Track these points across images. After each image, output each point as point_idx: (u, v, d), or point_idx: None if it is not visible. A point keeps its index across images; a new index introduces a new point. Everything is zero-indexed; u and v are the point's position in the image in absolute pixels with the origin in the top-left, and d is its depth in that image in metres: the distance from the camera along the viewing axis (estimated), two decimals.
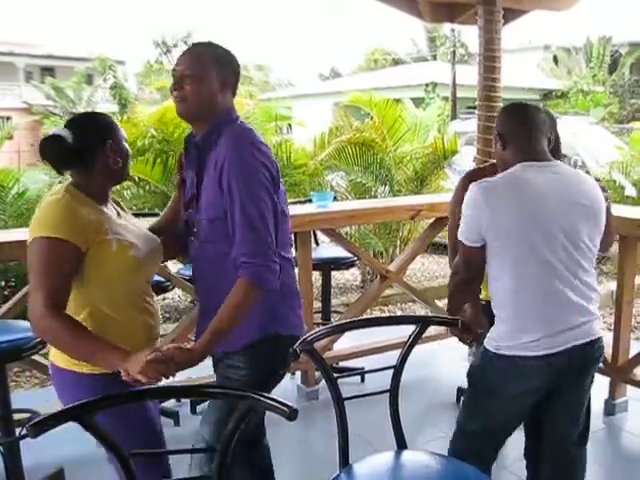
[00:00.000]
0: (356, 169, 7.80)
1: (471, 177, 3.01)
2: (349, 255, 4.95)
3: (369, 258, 5.80)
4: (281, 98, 20.93)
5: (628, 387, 4.33)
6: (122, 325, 2.21)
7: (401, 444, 2.37)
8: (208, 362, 4.46)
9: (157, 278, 3.97)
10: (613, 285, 4.44)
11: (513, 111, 2.65)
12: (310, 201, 4.66)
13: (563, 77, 28.72)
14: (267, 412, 2.34)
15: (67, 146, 2.19)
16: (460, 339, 2.64)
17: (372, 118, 8.28)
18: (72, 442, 2.23)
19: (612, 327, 4.44)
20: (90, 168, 2.24)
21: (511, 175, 2.47)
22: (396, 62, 37.48)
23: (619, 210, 3.02)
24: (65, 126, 2.25)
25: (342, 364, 4.88)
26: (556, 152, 2.97)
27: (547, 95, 26.80)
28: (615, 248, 3.28)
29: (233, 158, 2.22)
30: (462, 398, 2.79)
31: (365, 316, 5.11)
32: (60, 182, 7.88)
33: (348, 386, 2.48)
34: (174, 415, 4.09)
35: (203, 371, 4.33)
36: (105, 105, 27.21)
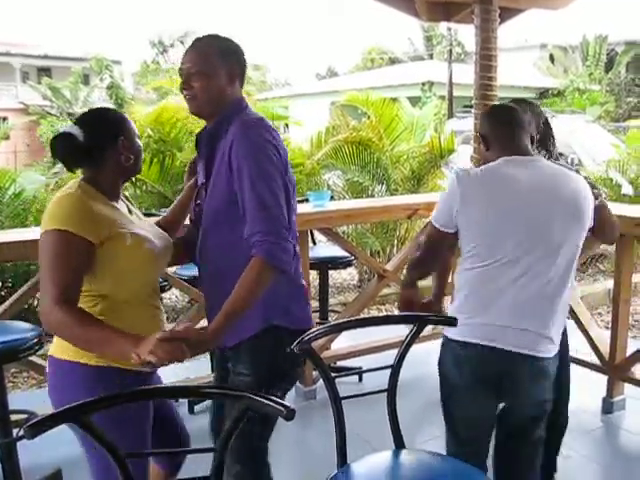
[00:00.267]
0: (353, 168, 7.80)
1: None
2: (346, 254, 4.95)
3: (366, 257, 5.80)
4: (278, 98, 20.89)
5: (626, 385, 4.33)
6: (134, 319, 2.19)
7: (399, 443, 2.37)
8: (207, 363, 4.46)
9: None
10: (610, 283, 4.45)
11: (495, 112, 2.70)
12: (307, 200, 4.66)
13: (559, 76, 28.77)
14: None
15: (78, 144, 2.17)
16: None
17: (369, 117, 8.29)
18: (70, 443, 2.22)
19: (609, 325, 4.44)
20: (102, 165, 2.22)
21: (490, 167, 2.51)
22: (393, 61, 37.51)
23: (616, 208, 3.01)
24: (76, 123, 2.23)
25: (340, 363, 4.88)
26: (547, 147, 2.99)
27: (543, 93, 26.84)
28: (612, 246, 3.28)
29: (241, 138, 2.20)
30: None
31: (362, 315, 5.11)
32: (57, 182, 7.92)
33: (346, 385, 2.48)
34: None
35: (201, 371, 4.35)
36: (102, 105, 27.18)
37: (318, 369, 2.31)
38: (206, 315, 2.50)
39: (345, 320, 2.52)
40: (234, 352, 2.37)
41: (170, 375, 3.25)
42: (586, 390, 3.23)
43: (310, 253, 4.51)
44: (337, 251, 5.03)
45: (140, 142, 2.33)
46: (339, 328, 2.50)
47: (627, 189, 8.51)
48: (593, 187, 2.60)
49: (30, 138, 27.54)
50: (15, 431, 3.24)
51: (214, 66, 2.27)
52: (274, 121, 9.32)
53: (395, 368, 2.38)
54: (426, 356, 2.67)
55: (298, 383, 4.53)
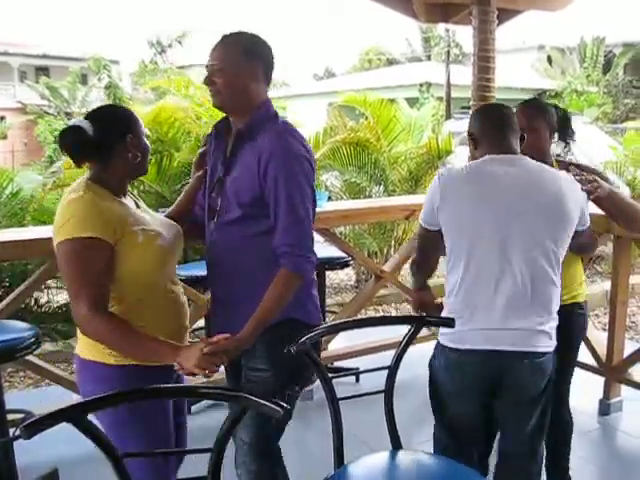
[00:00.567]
0: (350, 169, 7.80)
1: None
2: (343, 255, 4.95)
3: (363, 258, 5.80)
4: (276, 98, 20.89)
5: (623, 387, 4.34)
6: (152, 316, 2.20)
7: (396, 444, 2.37)
8: None
9: None
10: (607, 285, 4.45)
11: (484, 112, 2.72)
12: None
13: (557, 77, 28.79)
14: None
15: (87, 138, 2.17)
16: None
17: (366, 118, 8.28)
18: (66, 442, 2.22)
19: (606, 327, 4.45)
20: (109, 162, 2.22)
21: (471, 165, 2.55)
22: (390, 62, 37.47)
23: None
24: (86, 117, 2.24)
25: (337, 364, 4.88)
26: (565, 140, 3.01)
27: (541, 95, 26.83)
28: (609, 248, 3.29)
29: (280, 151, 2.26)
30: None
31: (360, 316, 5.11)
32: (54, 182, 7.90)
33: (343, 386, 2.48)
34: None
35: None
36: (112, 103, 27.17)
37: (315, 370, 2.31)
38: (211, 307, 2.57)
39: (342, 321, 2.51)
40: (247, 350, 2.36)
41: None
42: (583, 392, 3.23)
43: None
44: (334, 252, 5.03)
45: (148, 142, 2.34)
46: (336, 329, 2.50)
47: (624, 191, 8.52)
48: (583, 182, 2.59)
49: (28, 137, 27.54)
50: (12, 431, 3.24)
51: (237, 63, 2.29)
52: None
53: (392, 369, 2.38)
54: (424, 357, 2.67)
55: None
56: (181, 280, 4.26)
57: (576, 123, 3.17)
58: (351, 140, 7.80)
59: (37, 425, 1.54)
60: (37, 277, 3.88)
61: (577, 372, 3.15)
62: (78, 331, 2.18)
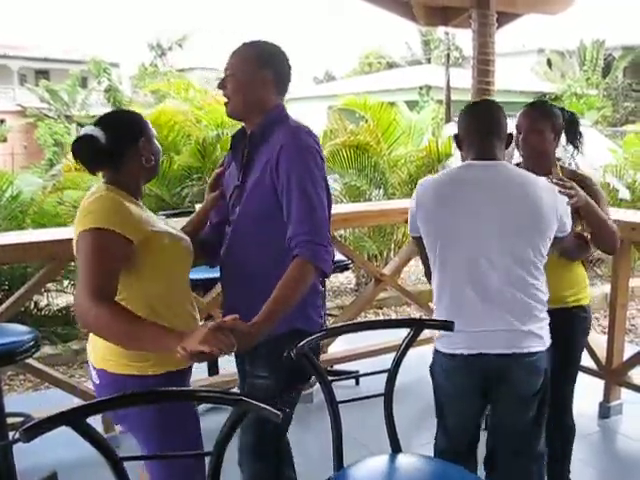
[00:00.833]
0: (350, 172, 7.81)
1: None
2: (343, 258, 4.94)
3: (363, 261, 5.80)
4: None
5: (622, 390, 4.33)
6: (174, 317, 2.19)
7: (395, 447, 2.37)
8: (203, 365, 4.45)
9: None
10: (607, 288, 4.45)
11: (467, 114, 2.68)
12: None
13: (557, 80, 28.84)
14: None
15: (100, 146, 2.16)
16: None
17: (366, 121, 8.30)
18: (66, 445, 2.22)
19: (606, 330, 4.45)
20: (122, 167, 2.22)
21: (447, 171, 2.62)
22: (390, 65, 37.54)
23: (612, 213, 3.01)
24: (96, 125, 2.23)
25: (337, 367, 4.88)
26: (574, 143, 3.01)
27: (541, 98, 26.85)
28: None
29: (291, 144, 2.25)
30: None
31: (359, 319, 5.11)
32: (54, 185, 7.91)
33: (343, 389, 2.48)
34: None
35: (197, 374, 4.33)
36: (100, 108, 27.16)
37: (315, 373, 2.30)
38: (224, 311, 2.52)
39: (342, 324, 2.51)
40: (251, 355, 2.37)
41: None
42: (583, 395, 3.23)
43: None
44: (334, 255, 5.02)
45: (158, 144, 2.34)
46: (336, 332, 2.50)
47: (624, 194, 8.52)
48: (565, 187, 2.56)
49: (27, 140, 27.56)
50: (11, 434, 3.24)
51: (248, 71, 2.31)
52: None
53: (392, 373, 2.38)
54: (424, 360, 2.67)
55: None
56: None
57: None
58: (351, 143, 7.81)
59: (36, 429, 1.53)
60: (37, 280, 3.88)
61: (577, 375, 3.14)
62: (94, 342, 2.17)
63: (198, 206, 2.82)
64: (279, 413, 1.66)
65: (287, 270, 2.19)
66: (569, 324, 2.94)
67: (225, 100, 2.37)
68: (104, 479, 1.88)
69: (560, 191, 2.51)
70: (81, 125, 25.90)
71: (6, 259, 4.17)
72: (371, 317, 7.12)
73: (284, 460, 2.56)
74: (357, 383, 4.60)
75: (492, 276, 2.42)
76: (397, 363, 2.39)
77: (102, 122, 2.25)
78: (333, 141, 7.98)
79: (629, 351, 4.34)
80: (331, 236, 2.35)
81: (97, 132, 2.18)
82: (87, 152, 2.18)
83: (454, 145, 2.73)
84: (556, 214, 2.46)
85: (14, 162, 22.82)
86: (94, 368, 2.22)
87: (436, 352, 2.58)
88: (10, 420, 3.35)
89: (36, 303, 6.08)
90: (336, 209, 5.36)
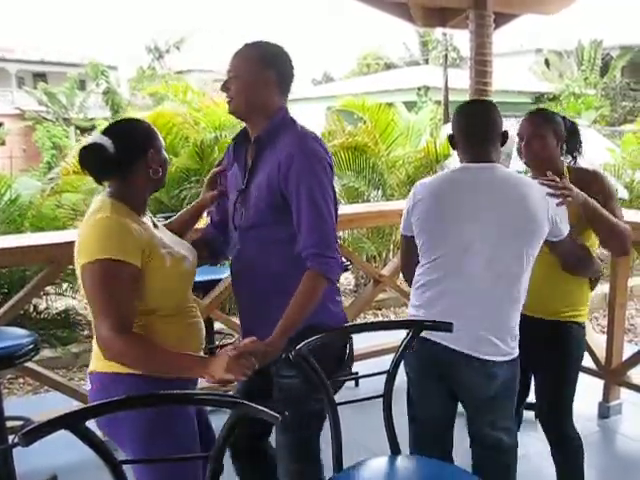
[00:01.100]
0: (349, 173, 7.81)
1: None
2: (342, 259, 4.94)
3: (362, 262, 5.80)
4: None
5: (622, 390, 4.34)
6: (176, 335, 2.18)
7: (395, 449, 2.37)
8: None
9: None
10: (606, 288, 4.44)
11: (461, 113, 2.70)
12: None
13: (555, 80, 28.84)
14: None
15: (108, 155, 2.12)
16: None
17: (365, 122, 8.30)
18: (66, 449, 2.22)
19: (605, 329, 4.45)
20: (130, 178, 2.18)
21: (442, 173, 2.68)
22: (388, 66, 37.55)
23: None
24: (104, 133, 2.18)
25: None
26: (572, 154, 2.98)
27: (539, 98, 26.86)
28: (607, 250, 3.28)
29: (301, 153, 2.26)
30: None
31: (358, 320, 5.10)
32: (52, 188, 7.90)
33: (342, 390, 2.48)
34: None
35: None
36: (98, 111, 27.17)
37: (314, 376, 2.30)
38: (238, 310, 2.60)
39: (342, 326, 2.51)
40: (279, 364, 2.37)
41: None
42: (582, 395, 3.22)
43: None
44: None
45: (166, 155, 2.31)
46: (334, 335, 2.49)
47: (622, 193, 8.53)
48: (557, 188, 2.52)
49: (26, 143, 27.54)
50: (10, 438, 3.24)
51: (252, 72, 2.30)
52: None
53: (391, 374, 2.39)
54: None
55: None
56: None
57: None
58: (349, 144, 7.82)
59: (35, 433, 1.53)
60: (36, 283, 3.88)
61: None
62: (94, 347, 2.16)
63: None
64: (277, 415, 1.66)
65: (300, 284, 2.24)
66: (562, 338, 2.92)
67: (228, 100, 2.36)
68: None
69: (548, 193, 2.49)
70: (79, 128, 25.96)
71: (5, 263, 4.16)
72: (370, 318, 7.12)
73: (317, 462, 2.55)
74: (357, 384, 4.59)
75: (483, 276, 2.45)
76: (396, 364, 2.40)
77: (111, 131, 2.21)
78: (331, 142, 7.97)
79: (628, 351, 4.34)
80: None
81: (106, 141, 2.13)
82: (95, 161, 2.14)
83: None
84: (547, 216, 2.46)
85: (12, 165, 22.78)
86: (88, 375, 2.21)
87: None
88: (10, 424, 3.36)
89: (35, 306, 6.08)
90: None
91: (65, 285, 6.19)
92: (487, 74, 4.94)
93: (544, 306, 2.87)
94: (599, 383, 4.32)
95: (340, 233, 7.36)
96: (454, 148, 2.68)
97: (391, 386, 2.38)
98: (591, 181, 2.83)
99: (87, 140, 2.23)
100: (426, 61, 34.67)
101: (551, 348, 2.90)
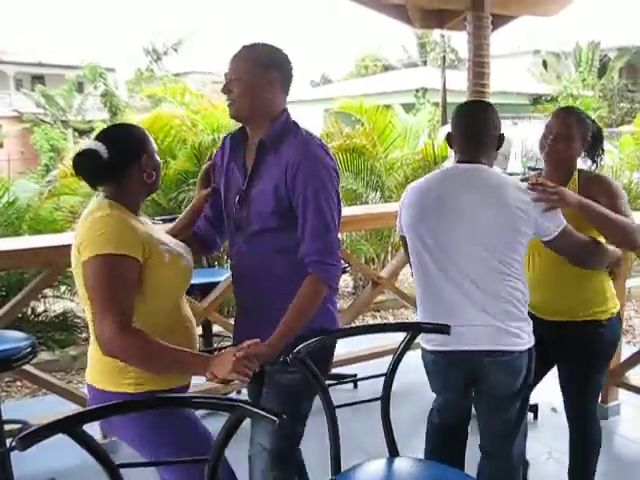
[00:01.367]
0: (347, 175, 7.80)
1: None
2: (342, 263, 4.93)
3: (360, 264, 5.80)
4: None
5: (620, 391, 4.34)
6: (171, 333, 2.17)
7: (393, 451, 2.37)
8: None
9: None
10: None
11: (458, 112, 2.72)
12: None
13: (552, 82, 28.87)
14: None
15: (102, 161, 2.12)
16: None
17: (362, 124, 8.30)
18: (64, 453, 2.21)
19: None
20: (124, 182, 2.18)
21: (435, 174, 2.71)
22: (386, 68, 37.58)
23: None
24: (97, 139, 2.19)
25: (334, 370, 4.86)
26: (593, 159, 2.96)
27: (537, 100, 26.92)
28: None
29: (308, 160, 2.26)
30: None
31: (357, 322, 5.10)
32: (50, 190, 7.90)
33: (340, 392, 2.48)
34: None
35: (195, 378, 4.33)
36: (96, 113, 27.16)
37: (312, 378, 2.30)
38: (236, 316, 2.61)
39: (339, 328, 2.51)
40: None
41: None
42: None
43: None
44: None
45: (159, 159, 2.31)
46: (333, 337, 2.49)
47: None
48: (541, 191, 2.51)
49: (24, 146, 27.49)
50: (8, 441, 3.23)
51: (254, 73, 2.29)
52: None
53: (389, 377, 2.38)
54: (421, 363, 2.67)
55: None
56: None
57: None
58: (347, 146, 7.81)
59: (33, 437, 1.53)
60: (34, 286, 3.87)
61: None
62: (90, 359, 2.16)
63: None
64: (275, 419, 1.65)
65: (300, 289, 2.25)
66: (582, 339, 2.87)
67: (229, 102, 2.34)
68: None
69: (533, 198, 2.47)
70: (77, 130, 25.94)
71: (3, 265, 4.16)
72: (369, 320, 7.11)
73: (299, 467, 2.56)
74: (355, 386, 4.59)
75: (465, 277, 2.48)
76: (394, 367, 2.40)
77: (104, 136, 2.21)
78: (329, 144, 7.95)
79: (626, 352, 4.34)
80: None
81: (99, 147, 2.14)
82: (89, 167, 2.15)
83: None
84: (528, 217, 2.46)
85: (10, 168, 22.79)
86: (87, 385, 2.21)
87: (421, 350, 2.69)
88: (7, 427, 3.35)
89: (33, 309, 6.07)
90: None
91: (63, 288, 6.18)
92: (485, 76, 4.94)
93: (557, 308, 2.86)
94: None
95: (338, 235, 7.34)
96: (451, 147, 2.70)
97: (389, 388, 2.38)
98: (596, 184, 2.80)
99: (81, 146, 2.23)
100: (424, 63, 34.69)
101: (573, 350, 2.88)
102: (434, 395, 2.79)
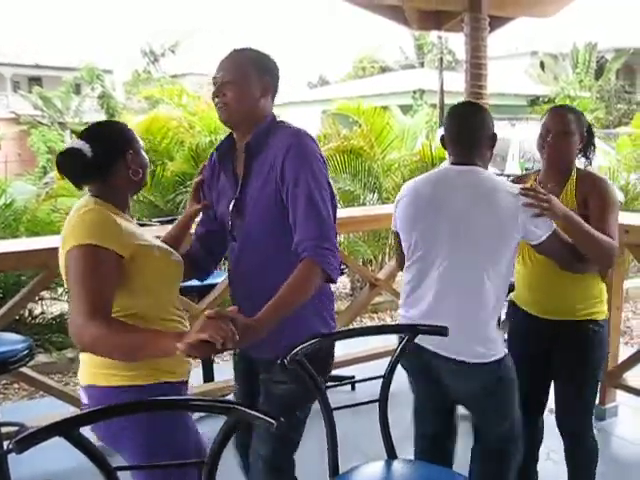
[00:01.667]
0: (344, 177, 7.81)
1: None
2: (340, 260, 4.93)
3: (358, 266, 5.80)
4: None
5: (618, 392, 4.34)
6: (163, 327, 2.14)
7: (391, 453, 2.37)
8: (198, 371, 4.44)
9: None
10: None
11: (450, 114, 2.73)
12: None
13: (550, 83, 28.89)
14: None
15: (86, 160, 2.10)
16: None
17: (360, 126, 8.31)
18: (61, 455, 2.20)
19: None
20: (109, 180, 2.16)
21: (426, 175, 2.73)
22: (384, 70, 37.57)
23: None
24: (81, 137, 2.16)
25: (332, 372, 4.86)
26: (587, 156, 2.94)
27: (534, 101, 26.93)
28: None
29: (296, 148, 2.23)
30: None
31: (355, 324, 5.10)
32: (48, 192, 7.89)
33: (338, 394, 2.47)
34: None
35: (192, 380, 4.32)
36: (93, 114, 27.13)
37: (310, 381, 2.29)
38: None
39: (336, 331, 2.50)
40: (269, 363, 2.34)
41: None
42: None
43: None
44: None
45: (146, 156, 2.29)
46: (330, 340, 2.49)
47: (619, 196, 8.53)
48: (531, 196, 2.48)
49: (21, 148, 27.48)
50: (5, 444, 3.23)
51: (248, 77, 2.27)
52: None
53: (386, 379, 2.38)
54: None
55: None
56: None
57: None
58: (345, 148, 7.82)
59: (29, 439, 1.52)
60: (31, 288, 3.87)
61: None
62: (81, 361, 2.14)
63: None
64: (273, 422, 1.65)
65: (294, 272, 2.17)
66: (578, 337, 2.86)
67: (220, 106, 2.30)
68: None
69: (524, 203, 2.44)
70: (75, 132, 25.93)
71: (0, 267, 4.15)
72: (366, 321, 7.12)
73: (291, 476, 2.52)
74: (353, 388, 4.58)
75: (455, 275, 2.49)
76: (392, 369, 2.39)
77: (87, 134, 2.19)
78: (327, 146, 7.97)
79: (624, 353, 4.35)
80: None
81: (82, 145, 2.12)
82: (73, 166, 2.13)
83: None
84: (516, 221, 2.45)
85: (7, 170, 22.76)
86: (82, 388, 2.17)
87: None
88: (4, 429, 3.35)
89: (30, 311, 6.06)
90: None
91: (60, 290, 6.18)
92: (482, 77, 4.95)
93: (558, 306, 2.84)
94: None
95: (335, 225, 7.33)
96: (445, 149, 2.71)
97: (387, 390, 2.38)
98: (590, 184, 2.78)
99: (64, 146, 2.21)
100: (421, 64, 34.70)
101: (570, 349, 2.86)
102: None
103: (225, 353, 4.17)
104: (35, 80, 34.95)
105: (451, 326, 2.36)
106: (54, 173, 9.13)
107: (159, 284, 2.16)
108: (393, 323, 6.46)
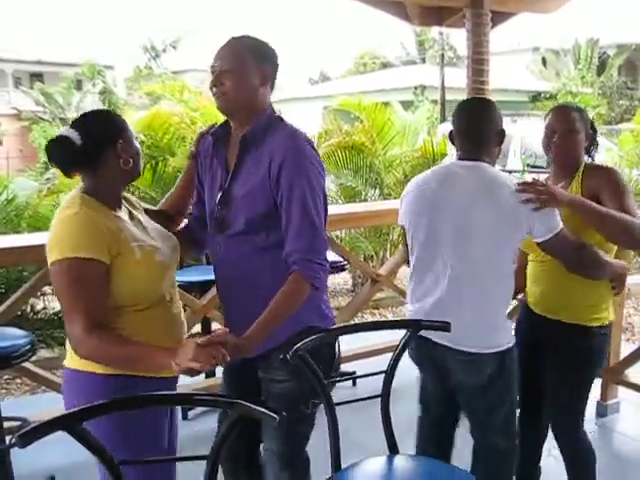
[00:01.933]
0: (346, 173, 7.81)
1: None
2: (339, 259, 4.94)
3: (359, 262, 5.80)
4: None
5: (620, 388, 4.34)
6: (152, 329, 2.14)
7: (393, 448, 2.37)
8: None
9: None
10: None
11: (458, 109, 2.72)
12: None
13: (552, 79, 28.85)
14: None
15: (75, 148, 2.09)
16: None
17: (361, 122, 8.31)
18: (64, 450, 2.21)
19: None
20: (100, 170, 2.15)
21: (435, 170, 2.74)
22: (385, 65, 37.55)
23: None
24: (72, 126, 2.16)
25: None
26: (589, 153, 2.93)
27: (536, 97, 26.90)
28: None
29: (293, 155, 2.21)
30: None
31: (356, 320, 5.10)
32: (49, 188, 7.89)
33: (340, 390, 2.48)
34: None
35: (194, 378, 4.33)
36: (98, 108, 27.08)
37: (312, 376, 2.29)
38: (224, 319, 2.54)
39: (338, 327, 2.50)
40: (265, 359, 2.34)
41: None
42: None
43: None
44: (330, 256, 5.00)
45: (138, 144, 2.26)
46: (332, 335, 2.49)
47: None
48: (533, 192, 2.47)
49: (23, 144, 27.45)
50: (8, 438, 3.23)
51: (247, 66, 2.25)
52: None
53: (389, 374, 2.38)
54: None
55: None
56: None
57: None
58: (346, 144, 7.82)
59: (32, 434, 1.53)
60: (33, 284, 3.87)
61: None
62: (67, 343, 2.14)
63: None
64: (276, 416, 1.65)
65: (284, 285, 2.19)
66: (584, 340, 2.82)
67: (218, 94, 2.27)
68: None
69: (523, 199, 2.43)
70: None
71: (2, 263, 4.16)
72: (368, 317, 7.13)
73: (307, 469, 2.52)
74: (354, 384, 4.59)
75: (457, 271, 2.50)
76: (394, 364, 2.40)
77: (78, 123, 2.18)
78: (328, 142, 7.97)
79: (626, 350, 4.35)
80: (327, 237, 2.33)
81: (72, 133, 2.11)
82: (62, 154, 2.12)
83: (449, 144, 2.76)
84: (519, 218, 2.45)
85: (9, 165, 22.75)
86: (70, 371, 2.17)
87: None
88: (7, 424, 3.35)
89: (32, 306, 6.07)
90: (332, 210, 5.35)
91: None
92: (484, 73, 4.94)
93: (563, 307, 2.82)
94: (596, 382, 4.31)
95: (337, 232, 7.35)
96: (453, 144, 2.70)
97: (389, 386, 2.38)
98: (598, 177, 2.74)
99: (54, 134, 2.19)
100: (423, 60, 34.68)
101: (567, 351, 2.83)
102: None
103: None
104: (37, 76, 34.92)
105: (458, 319, 2.39)
106: (55, 169, 9.11)
107: (139, 286, 2.13)
108: (395, 319, 6.47)
